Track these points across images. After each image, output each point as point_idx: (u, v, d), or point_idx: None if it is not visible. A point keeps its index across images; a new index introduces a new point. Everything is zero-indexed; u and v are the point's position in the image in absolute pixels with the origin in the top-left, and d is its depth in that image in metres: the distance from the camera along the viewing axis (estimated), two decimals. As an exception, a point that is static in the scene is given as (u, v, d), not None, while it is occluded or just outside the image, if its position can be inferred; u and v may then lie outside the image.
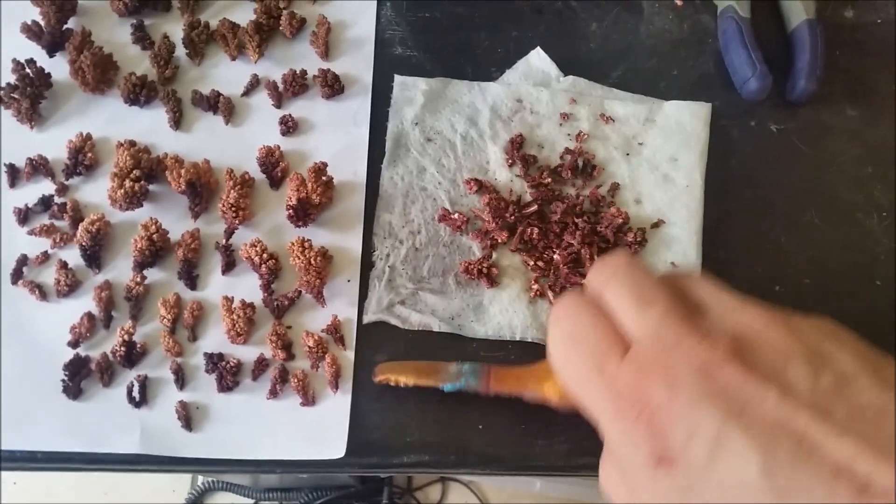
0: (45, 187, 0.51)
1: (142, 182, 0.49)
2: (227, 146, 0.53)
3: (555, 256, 0.50)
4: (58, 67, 0.53)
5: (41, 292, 0.48)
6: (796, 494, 0.21)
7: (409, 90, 0.55)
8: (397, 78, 0.55)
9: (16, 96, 0.51)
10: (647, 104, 0.55)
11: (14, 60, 0.52)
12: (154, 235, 0.47)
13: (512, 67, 0.57)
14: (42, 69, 0.52)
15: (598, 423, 0.27)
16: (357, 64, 0.56)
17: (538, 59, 0.56)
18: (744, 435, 0.21)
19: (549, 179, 0.53)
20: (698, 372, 0.23)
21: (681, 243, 0.51)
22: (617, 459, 0.26)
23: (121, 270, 0.49)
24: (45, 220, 0.50)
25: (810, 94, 0.55)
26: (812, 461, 0.21)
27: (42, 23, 0.53)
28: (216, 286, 0.49)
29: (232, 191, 0.49)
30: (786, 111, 0.57)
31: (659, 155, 0.54)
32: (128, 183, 0.48)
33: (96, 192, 0.51)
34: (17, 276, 0.48)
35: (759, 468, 0.21)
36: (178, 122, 0.53)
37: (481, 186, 0.52)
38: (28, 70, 0.52)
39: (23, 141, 0.52)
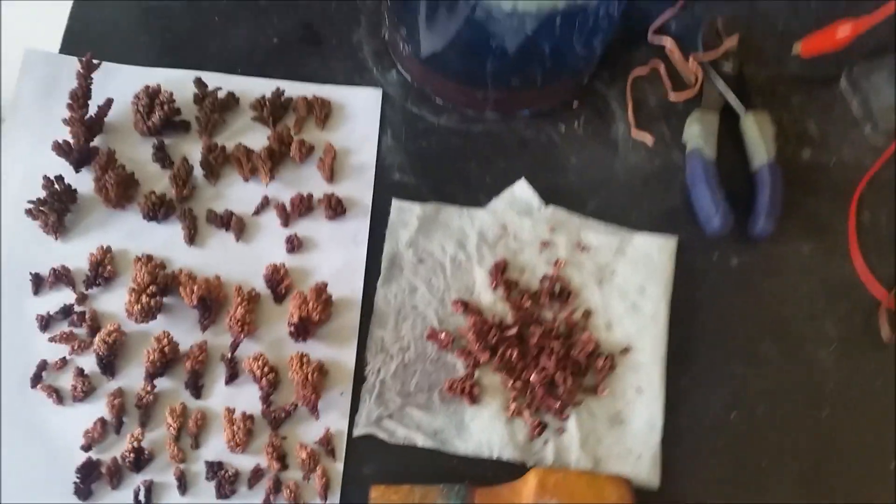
0: (67, 296, 0.55)
1: (157, 297, 0.53)
2: (237, 262, 0.57)
3: (531, 378, 0.55)
4: (83, 181, 0.58)
5: (58, 396, 0.52)
6: None
7: (405, 214, 0.60)
8: (394, 202, 0.61)
9: (44, 210, 0.56)
10: (619, 235, 0.60)
11: (45, 177, 0.57)
12: (165, 348, 0.52)
13: (498, 196, 0.62)
14: (69, 186, 0.57)
15: None
16: (359, 187, 0.61)
17: (522, 189, 0.62)
18: None
19: (529, 303, 0.58)
20: None
21: (646, 369, 0.56)
22: None
23: (133, 378, 0.53)
24: (65, 327, 0.54)
25: (769, 232, 0.61)
26: None
27: (72, 141, 0.58)
28: (219, 396, 0.53)
29: (239, 307, 0.54)
30: (747, 246, 0.62)
31: (629, 284, 0.59)
32: (144, 298, 0.53)
33: (114, 302, 0.55)
34: (36, 380, 0.52)
35: None
36: (192, 238, 0.58)
37: (467, 308, 0.57)
38: (57, 186, 0.56)
39: (48, 251, 0.56)
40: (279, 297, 0.56)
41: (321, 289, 0.55)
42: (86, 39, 0.64)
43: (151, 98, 0.60)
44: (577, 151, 0.65)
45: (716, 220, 0.60)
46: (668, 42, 0.67)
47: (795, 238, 0.63)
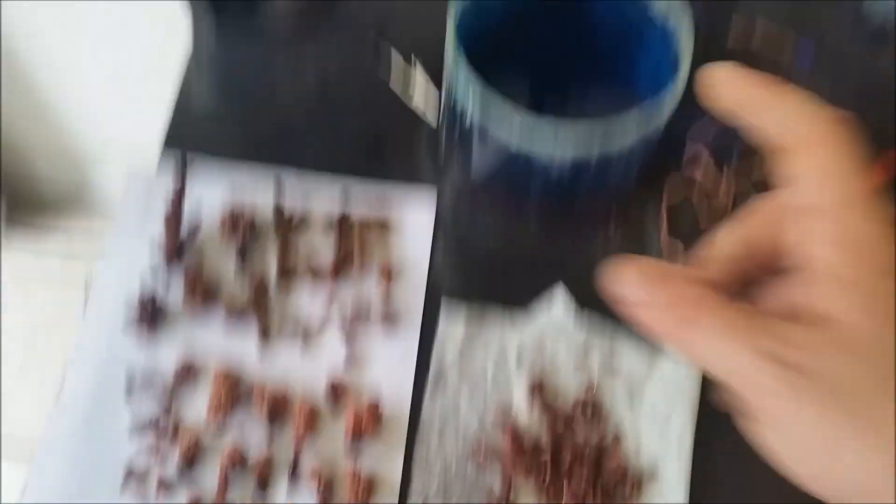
0: (153, 402, 0.63)
1: (232, 411, 0.61)
2: (302, 372, 0.64)
3: (562, 502, 0.60)
4: (172, 290, 0.66)
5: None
6: None
7: (451, 327, 0.66)
8: (442, 316, 0.67)
9: (140, 320, 0.64)
10: (649, 360, 0.65)
11: (142, 292, 0.65)
12: (237, 464, 0.59)
13: (537, 308, 0.67)
14: (162, 299, 0.65)
15: None
16: (411, 298, 0.67)
17: (559, 305, 0.66)
18: None
19: (563, 427, 0.63)
20: None
21: (672, 493, 0.61)
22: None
23: (205, 489, 0.61)
24: (149, 434, 0.62)
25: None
26: None
27: (166, 252, 0.66)
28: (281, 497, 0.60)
29: (301, 423, 0.61)
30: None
31: (658, 409, 0.63)
32: (220, 413, 0.60)
33: (193, 410, 0.63)
34: (126, 482, 0.61)
35: None
36: (265, 349, 0.65)
37: (505, 428, 0.63)
38: (152, 297, 0.65)
39: (138, 358, 0.64)
40: (337, 411, 0.63)
41: (374, 405, 0.62)
42: (183, 133, 0.72)
43: (235, 221, 0.67)
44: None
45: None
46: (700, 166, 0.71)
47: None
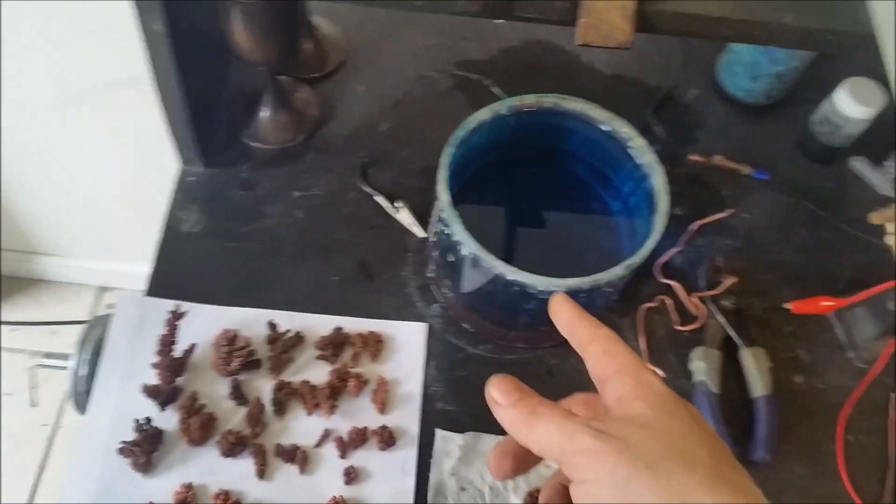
0: (152, 533, 0.62)
1: (236, 537, 0.61)
2: (301, 494, 0.65)
3: None
4: (167, 419, 0.66)
5: None
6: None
7: (448, 444, 0.68)
8: (438, 433, 0.69)
9: (135, 450, 0.64)
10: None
11: (136, 420, 0.65)
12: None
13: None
14: (157, 428, 0.65)
15: None
16: (407, 417, 0.69)
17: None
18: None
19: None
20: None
21: None
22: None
23: None
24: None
25: (767, 461, 0.69)
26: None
27: (159, 384, 0.67)
28: None
29: (307, 545, 0.61)
30: (748, 469, 0.70)
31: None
32: (225, 539, 0.60)
33: (195, 538, 0.62)
34: None
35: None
36: (262, 472, 0.65)
37: (505, 538, 0.65)
38: (147, 428, 0.64)
39: (135, 488, 0.64)
40: (339, 530, 0.64)
41: (378, 523, 0.62)
42: (169, 280, 0.74)
43: (231, 343, 0.68)
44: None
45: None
46: (673, 282, 0.77)
47: (791, 460, 0.72)
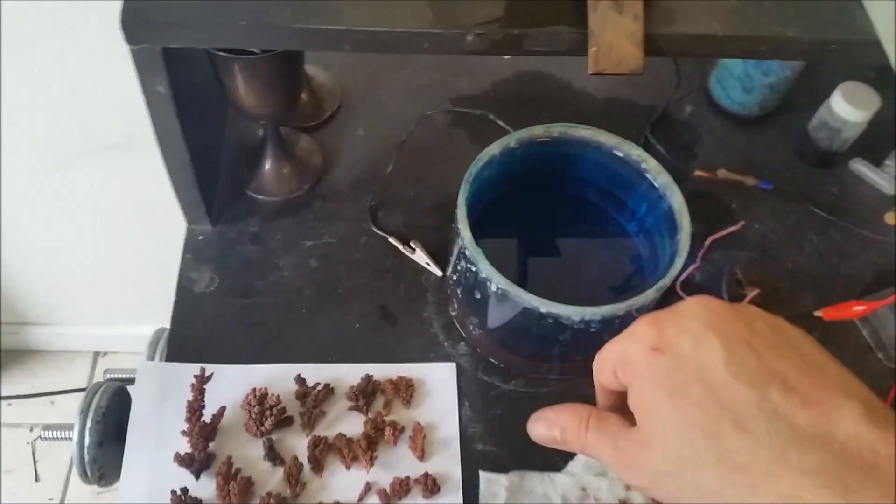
0: None
1: None
2: (349, 552, 0.63)
3: None
4: (203, 487, 0.64)
5: None
6: (743, 378, 0.30)
7: (493, 486, 0.67)
8: (482, 475, 0.67)
9: (173, 523, 0.61)
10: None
11: (172, 492, 0.62)
12: None
13: (574, 458, 0.69)
14: (195, 498, 0.63)
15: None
16: (447, 462, 0.68)
17: (593, 451, 0.69)
18: (717, 338, 0.31)
19: (617, 565, 0.64)
20: (696, 304, 0.34)
21: None
22: (620, 351, 0.35)
23: None
24: None
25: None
26: (762, 363, 0.31)
27: (191, 451, 0.65)
28: None
29: None
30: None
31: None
32: None
33: None
34: None
35: (722, 360, 0.31)
36: (307, 533, 0.63)
37: (562, 577, 0.63)
38: (185, 499, 0.62)
39: (179, 562, 0.61)
40: (393, 585, 0.62)
41: (432, 577, 0.61)
42: (186, 343, 0.72)
43: (261, 403, 0.66)
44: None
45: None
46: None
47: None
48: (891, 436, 0.28)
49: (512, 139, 0.71)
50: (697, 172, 0.88)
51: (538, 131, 0.71)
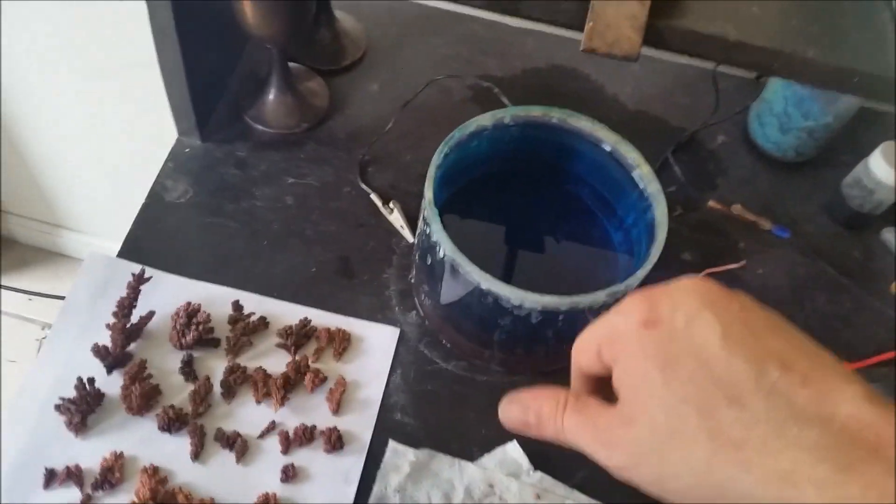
0: (73, 494, 0.59)
1: (153, 515, 0.57)
2: (234, 484, 0.61)
3: None
4: (112, 384, 0.64)
5: None
6: (740, 355, 0.29)
7: (399, 458, 0.64)
8: (391, 444, 0.64)
9: (71, 408, 0.61)
10: (599, 513, 0.63)
11: (78, 379, 0.62)
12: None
13: (490, 452, 0.65)
14: (99, 390, 0.62)
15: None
16: (361, 423, 0.65)
17: (514, 451, 0.65)
18: (713, 315, 0.30)
19: (501, 571, 0.60)
20: (691, 283, 0.32)
21: None
22: (608, 327, 0.34)
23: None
24: (63, 529, 0.58)
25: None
26: (759, 341, 0.30)
27: (110, 346, 0.64)
28: None
29: (226, 536, 0.57)
30: None
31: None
32: (141, 515, 0.56)
33: (114, 510, 0.59)
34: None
35: (719, 336, 0.30)
36: (197, 454, 0.62)
37: (440, 567, 0.60)
38: (88, 388, 0.62)
39: (65, 447, 0.61)
40: (266, 528, 0.59)
41: (306, 528, 0.58)
42: (144, 245, 0.72)
43: (190, 316, 0.66)
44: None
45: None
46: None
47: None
48: (891, 417, 0.27)
49: (507, 114, 0.68)
50: (711, 203, 0.83)
51: (536, 112, 0.69)
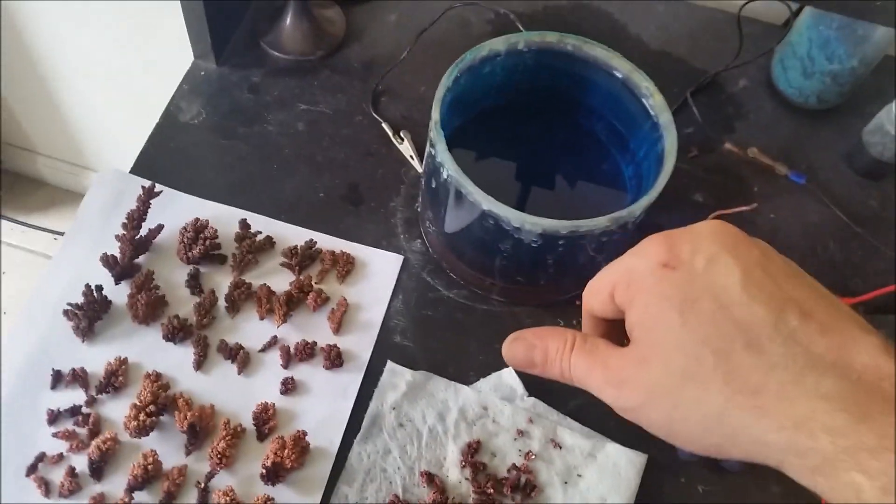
0: (79, 396, 0.61)
1: (154, 417, 0.58)
2: (234, 393, 0.62)
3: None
4: (119, 293, 0.65)
5: (47, 489, 0.57)
6: (760, 300, 0.29)
7: (396, 377, 0.65)
8: (389, 364, 0.65)
9: (78, 314, 0.63)
10: (592, 440, 0.63)
11: (86, 286, 0.63)
12: (149, 466, 0.57)
13: (486, 377, 0.66)
14: (105, 297, 0.64)
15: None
16: (360, 343, 0.66)
17: (509, 376, 0.66)
18: (733, 259, 0.30)
19: (492, 490, 0.60)
20: (711, 226, 0.32)
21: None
22: (625, 268, 0.33)
23: (116, 486, 0.58)
24: (69, 425, 0.60)
25: (740, 468, 0.63)
26: (779, 287, 0.30)
27: (118, 256, 0.65)
28: (187, 521, 0.57)
29: (223, 440, 0.58)
30: (716, 475, 0.64)
31: (592, 491, 0.61)
32: (142, 416, 0.58)
33: (117, 411, 0.60)
34: (32, 469, 0.57)
35: (739, 280, 0.30)
36: (200, 364, 0.63)
37: (432, 481, 0.60)
38: (95, 295, 0.63)
39: (73, 351, 0.63)
40: (262, 436, 0.61)
41: (300, 437, 0.59)
42: (157, 163, 0.73)
43: (197, 232, 0.67)
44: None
45: (686, 445, 0.62)
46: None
47: (764, 476, 0.65)
48: None
49: (521, 39, 0.67)
50: (727, 146, 0.82)
51: (551, 38, 0.68)
